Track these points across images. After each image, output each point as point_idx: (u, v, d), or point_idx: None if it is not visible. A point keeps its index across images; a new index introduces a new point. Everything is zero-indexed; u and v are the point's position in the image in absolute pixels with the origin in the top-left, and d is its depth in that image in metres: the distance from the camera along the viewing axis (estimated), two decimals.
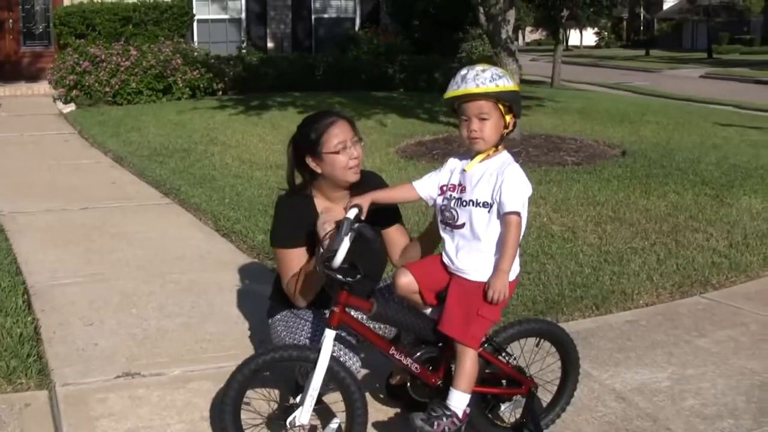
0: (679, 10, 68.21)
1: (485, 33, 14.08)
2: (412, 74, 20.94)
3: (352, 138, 4.00)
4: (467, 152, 3.73)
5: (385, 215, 4.08)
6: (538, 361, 4.13)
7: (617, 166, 10.65)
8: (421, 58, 21.47)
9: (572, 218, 7.95)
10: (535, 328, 4.10)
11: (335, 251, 3.50)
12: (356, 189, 4.07)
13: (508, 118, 3.61)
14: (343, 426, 3.69)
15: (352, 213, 3.67)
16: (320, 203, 4.12)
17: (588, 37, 76.72)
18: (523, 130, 12.82)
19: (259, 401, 4.02)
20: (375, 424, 4.08)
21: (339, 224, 3.60)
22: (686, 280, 6.32)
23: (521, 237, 3.66)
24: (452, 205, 3.70)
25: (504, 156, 3.67)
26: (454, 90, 3.61)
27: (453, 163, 3.79)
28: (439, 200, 3.78)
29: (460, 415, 3.66)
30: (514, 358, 3.97)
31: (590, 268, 6.51)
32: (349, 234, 3.50)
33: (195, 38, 22.86)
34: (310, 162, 4.04)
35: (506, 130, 3.64)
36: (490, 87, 3.52)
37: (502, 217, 3.57)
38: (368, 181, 4.15)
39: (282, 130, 13.34)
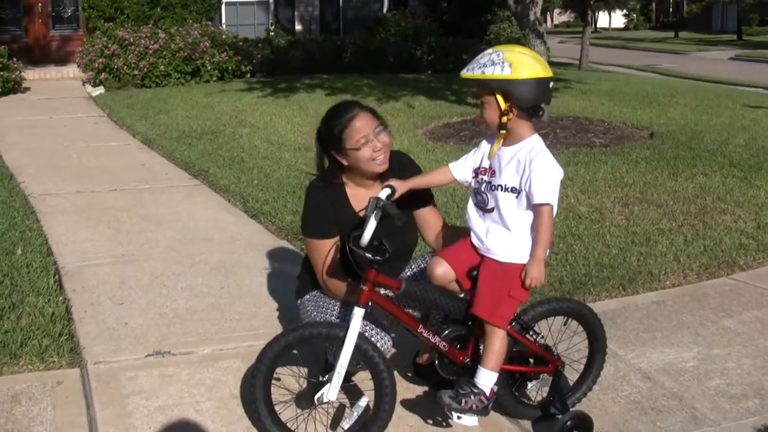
0: None
1: (513, 15, 14.05)
2: (439, 56, 20.91)
3: (374, 129, 3.96)
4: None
5: (418, 197, 4.09)
6: (565, 340, 4.15)
7: (645, 147, 10.61)
8: (449, 40, 21.45)
9: (600, 199, 7.94)
10: (563, 307, 4.12)
11: (362, 230, 3.53)
12: (387, 172, 4.08)
13: (505, 105, 3.54)
14: (371, 404, 3.73)
15: (384, 193, 3.71)
16: (351, 191, 4.14)
17: (617, 19, 76.13)
18: (551, 112, 12.80)
19: (289, 378, 4.08)
20: (403, 402, 4.12)
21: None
22: (713, 261, 6.32)
23: (532, 217, 3.67)
24: (483, 188, 3.71)
25: (533, 141, 3.64)
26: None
27: (484, 146, 3.79)
28: (473, 183, 3.80)
29: (488, 393, 3.70)
30: (542, 337, 4.00)
31: (617, 249, 6.52)
32: (375, 212, 3.53)
33: (223, 21, 22.94)
34: (336, 156, 4.04)
35: (505, 117, 3.56)
36: (475, 74, 3.53)
37: (533, 207, 3.59)
38: (399, 162, 4.16)
39: (310, 112, 13.38)
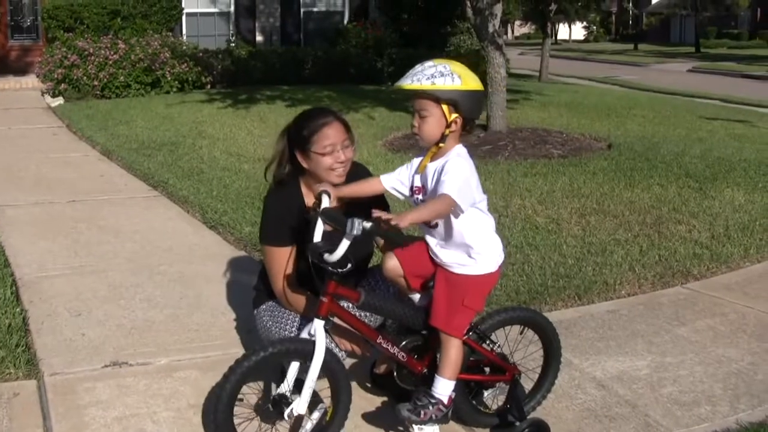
0: (668, 4, 68.33)
1: (473, 27, 14.13)
2: (400, 68, 20.88)
3: (343, 141, 4.01)
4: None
5: (373, 206, 4.11)
6: (521, 348, 4.20)
7: (603, 159, 10.72)
8: (410, 52, 21.51)
9: (557, 210, 8.02)
10: (519, 316, 4.17)
11: (334, 248, 3.47)
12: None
13: (451, 116, 3.52)
14: (328, 411, 3.74)
15: (325, 201, 3.69)
16: (307, 196, 4.16)
17: (577, 31, 76.77)
18: (510, 123, 12.91)
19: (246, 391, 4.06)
20: (361, 414, 4.14)
21: (330, 218, 3.61)
22: (668, 271, 6.40)
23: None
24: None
25: (455, 151, 3.60)
26: (398, 82, 3.59)
27: (415, 163, 3.78)
28: (413, 201, 3.79)
29: (446, 401, 3.73)
30: (498, 346, 4.04)
31: (573, 259, 6.58)
32: (352, 233, 3.39)
33: (184, 32, 22.86)
34: (298, 155, 4.07)
35: (448, 129, 3.54)
36: (424, 85, 3.48)
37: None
38: (356, 174, 4.17)
39: (270, 123, 13.40)
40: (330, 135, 3.99)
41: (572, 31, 75.49)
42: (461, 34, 23.24)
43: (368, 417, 4.17)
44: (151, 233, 7.46)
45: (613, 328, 5.37)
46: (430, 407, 3.70)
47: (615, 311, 5.69)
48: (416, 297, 3.89)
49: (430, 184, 3.63)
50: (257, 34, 23.99)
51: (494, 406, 4.16)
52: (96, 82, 17.55)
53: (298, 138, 4.06)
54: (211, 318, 5.46)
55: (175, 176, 9.64)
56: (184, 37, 22.16)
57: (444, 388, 3.74)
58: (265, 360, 3.57)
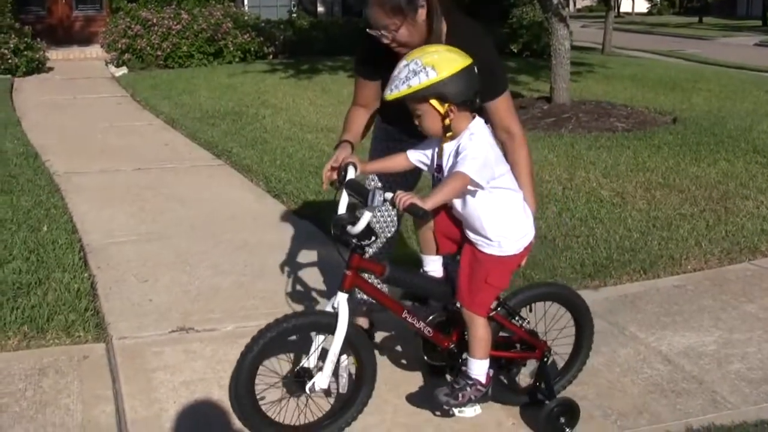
0: None
1: None
2: None
3: (385, 25, 3.69)
4: None
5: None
6: (550, 323, 4.10)
7: (668, 133, 10.59)
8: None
9: (621, 184, 7.94)
10: (548, 292, 4.09)
11: (356, 220, 3.45)
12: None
13: (442, 108, 3.40)
14: (353, 368, 3.72)
15: (351, 172, 3.62)
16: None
17: (640, 3, 75.62)
18: (574, 95, 12.77)
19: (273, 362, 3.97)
20: (398, 386, 4.16)
21: (353, 189, 3.56)
22: (735, 247, 6.31)
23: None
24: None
25: (470, 129, 3.50)
26: (383, 94, 3.55)
27: (435, 143, 3.66)
28: (435, 181, 3.69)
29: (484, 380, 3.68)
30: (528, 322, 3.96)
31: (639, 233, 6.52)
32: (377, 203, 3.37)
33: (245, 2, 22.94)
34: None
35: (447, 119, 3.43)
36: (402, 90, 3.39)
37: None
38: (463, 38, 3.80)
39: (332, 93, 13.41)
40: (369, 15, 3.76)
41: (635, 4, 74.44)
42: (524, 6, 23.01)
43: (405, 390, 4.15)
44: (215, 201, 7.53)
45: (679, 303, 5.31)
46: (468, 389, 3.65)
47: (681, 286, 5.63)
48: (434, 260, 3.80)
49: (445, 164, 3.55)
50: (318, 4, 24.01)
51: (524, 384, 4.12)
52: (159, 52, 17.73)
53: None
54: (275, 286, 5.49)
55: (238, 145, 9.71)
56: (246, 8, 22.26)
57: (478, 368, 3.68)
58: (285, 332, 3.52)
